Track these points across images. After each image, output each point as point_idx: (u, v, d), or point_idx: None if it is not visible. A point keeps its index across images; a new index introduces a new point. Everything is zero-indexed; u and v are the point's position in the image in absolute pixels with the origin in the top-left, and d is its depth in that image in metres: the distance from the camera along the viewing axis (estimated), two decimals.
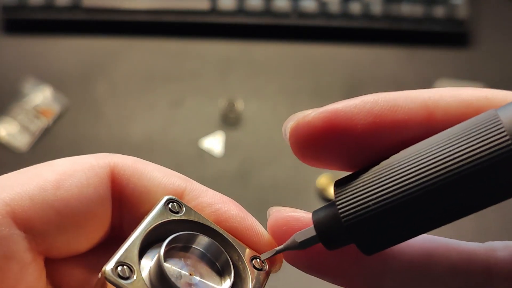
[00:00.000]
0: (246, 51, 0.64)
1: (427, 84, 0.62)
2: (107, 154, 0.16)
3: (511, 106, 0.12)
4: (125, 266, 0.14)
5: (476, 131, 0.12)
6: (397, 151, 0.13)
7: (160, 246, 0.15)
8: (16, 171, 0.15)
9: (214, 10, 0.62)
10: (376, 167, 0.13)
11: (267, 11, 0.63)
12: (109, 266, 0.14)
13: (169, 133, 0.59)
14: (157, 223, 0.15)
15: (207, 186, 0.59)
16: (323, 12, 0.62)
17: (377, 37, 0.65)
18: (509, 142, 0.12)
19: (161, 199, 0.16)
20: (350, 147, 0.13)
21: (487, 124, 0.12)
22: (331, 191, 0.55)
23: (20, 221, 0.14)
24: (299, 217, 0.16)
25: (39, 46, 0.63)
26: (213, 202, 0.16)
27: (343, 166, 0.14)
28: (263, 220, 0.59)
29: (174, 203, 0.16)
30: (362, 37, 0.65)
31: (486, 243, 0.15)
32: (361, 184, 0.13)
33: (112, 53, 0.63)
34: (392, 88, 0.62)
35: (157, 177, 0.16)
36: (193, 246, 0.16)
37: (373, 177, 0.13)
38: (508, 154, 0.12)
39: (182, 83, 0.61)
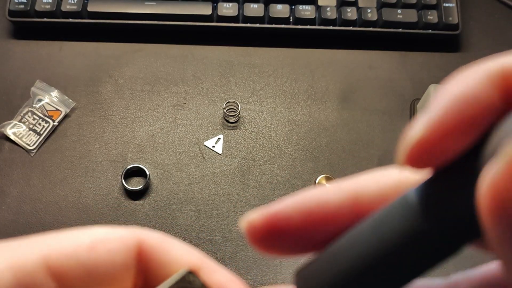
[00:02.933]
0: (246, 55, 0.65)
1: (421, 87, 0.63)
2: (137, 228, 0.18)
3: (416, 191, 0.13)
4: None
5: (385, 220, 0.13)
6: (333, 238, 0.15)
7: None
8: (55, 231, 0.17)
9: (215, 16, 0.64)
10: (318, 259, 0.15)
11: (266, 17, 0.64)
12: None
13: (172, 133, 0.60)
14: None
15: (208, 185, 0.62)
16: (320, 17, 0.64)
17: (372, 41, 0.66)
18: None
19: (180, 271, 0.17)
20: (291, 242, 0.15)
21: (394, 211, 0.13)
22: None
23: (54, 274, 0.15)
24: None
25: (46, 50, 0.64)
26: (224, 281, 0.17)
27: (294, 254, 0.16)
28: None
29: (190, 275, 0.17)
30: (357, 41, 0.66)
31: (449, 277, 0.16)
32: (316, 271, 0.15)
33: (117, 57, 0.64)
34: (386, 91, 0.65)
35: (178, 252, 0.17)
36: None
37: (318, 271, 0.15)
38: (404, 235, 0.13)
39: (185, 86, 0.63)
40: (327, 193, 0.15)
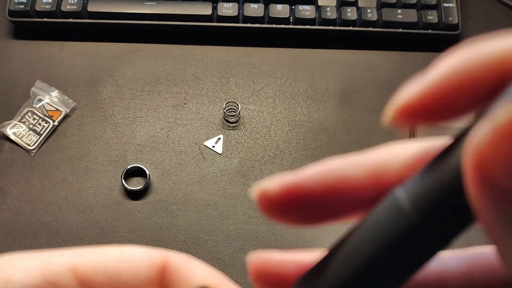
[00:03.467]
0: (246, 55, 0.65)
1: None
2: (165, 250, 0.18)
3: (410, 183, 0.13)
4: None
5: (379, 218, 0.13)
6: (352, 213, 0.15)
7: None
8: (90, 246, 0.18)
9: (215, 16, 0.64)
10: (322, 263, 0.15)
11: (266, 17, 0.64)
12: None
13: (172, 133, 0.60)
14: None
15: (208, 185, 0.61)
16: (320, 17, 0.64)
17: (372, 41, 0.66)
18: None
19: (194, 285, 0.18)
20: (307, 213, 0.15)
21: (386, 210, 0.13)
22: None
23: (80, 279, 0.16)
24: (280, 262, 0.17)
25: (46, 50, 0.64)
26: None
27: (306, 225, 0.16)
28: (264, 219, 0.61)
29: None
30: (357, 41, 0.66)
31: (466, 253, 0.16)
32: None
33: (118, 57, 0.64)
34: (386, 91, 0.64)
35: (201, 273, 0.18)
36: None
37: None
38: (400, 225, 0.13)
39: (185, 86, 0.63)
40: (348, 167, 0.15)
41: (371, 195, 0.14)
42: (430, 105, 0.13)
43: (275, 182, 0.16)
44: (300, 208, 0.15)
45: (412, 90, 0.14)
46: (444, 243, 0.12)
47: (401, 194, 0.13)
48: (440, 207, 0.12)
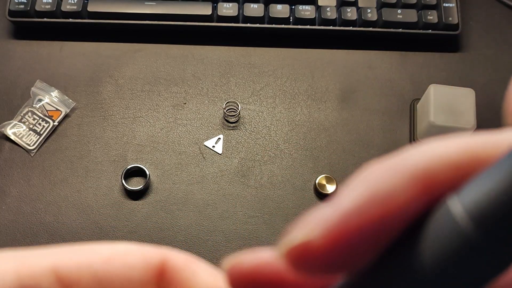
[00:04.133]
0: (246, 55, 0.65)
1: (421, 87, 0.63)
2: (163, 248, 0.17)
3: (466, 192, 0.11)
4: None
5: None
6: None
7: None
8: (77, 243, 0.16)
9: (215, 16, 0.64)
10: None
11: (266, 17, 0.64)
12: None
13: (172, 133, 0.60)
14: None
15: (208, 185, 0.61)
16: (320, 17, 0.64)
17: (372, 41, 0.66)
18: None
19: None
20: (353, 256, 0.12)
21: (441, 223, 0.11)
22: (328, 190, 0.57)
23: (63, 282, 0.15)
24: (262, 263, 0.14)
25: (46, 50, 0.64)
26: None
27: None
28: (265, 218, 0.61)
29: None
30: (357, 41, 0.66)
31: None
32: None
33: (118, 57, 0.64)
34: (386, 91, 0.65)
35: (204, 276, 0.16)
36: None
37: None
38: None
39: (185, 86, 0.63)
40: (390, 180, 0.11)
41: (420, 208, 0.12)
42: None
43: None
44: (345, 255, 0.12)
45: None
46: (509, 263, 0.10)
47: (456, 206, 0.11)
48: (506, 224, 0.10)
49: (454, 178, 0.11)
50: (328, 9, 0.64)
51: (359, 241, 0.11)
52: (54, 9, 0.62)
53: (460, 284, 0.11)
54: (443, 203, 0.11)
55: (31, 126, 0.59)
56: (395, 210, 0.11)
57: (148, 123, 0.61)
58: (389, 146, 0.60)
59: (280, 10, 0.63)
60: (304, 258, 0.12)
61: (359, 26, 0.64)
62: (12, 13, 0.62)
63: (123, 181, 0.56)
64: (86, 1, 0.63)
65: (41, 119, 0.59)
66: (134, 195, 0.57)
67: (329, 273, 0.12)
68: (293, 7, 0.64)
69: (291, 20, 0.64)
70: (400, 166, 0.11)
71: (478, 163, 0.11)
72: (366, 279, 0.12)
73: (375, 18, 0.64)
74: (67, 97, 0.61)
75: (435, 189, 0.11)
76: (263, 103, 0.62)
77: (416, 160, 0.11)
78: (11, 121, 0.59)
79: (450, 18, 0.64)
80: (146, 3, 0.63)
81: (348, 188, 0.12)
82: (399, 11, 0.64)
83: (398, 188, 0.11)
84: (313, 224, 0.12)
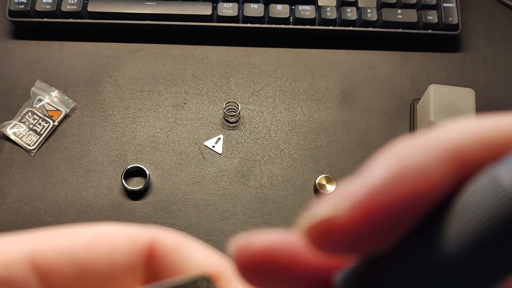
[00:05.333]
0: (246, 55, 0.65)
1: (421, 87, 0.63)
2: (152, 228, 0.15)
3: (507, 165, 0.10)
4: None
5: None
6: None
7: None
8: (57, 227, 0.15)
9: (215, 16, 0.64)
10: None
11: (266, 17, 0.64)
12: None
13: (172, 133, 0.60)
14: None
15: (208, 185, 0.61)
16: (320, 17, 0.64)
17: (372, 41, 0.66)
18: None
19: (194, 273, 0.15)
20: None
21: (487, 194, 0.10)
22: (328, 190, 0.57)
23: (40, 270, 0.13)
24: (276, 244, 0.13)
25: (46, 50, 0.64)
26: None
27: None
28: (265, 218, 0.61)
29: (204, 281, 0.14)
30: (357, 41, 0.66)
31: None
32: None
33: (117, 57, 0.64)
34: (386, 91, 0.65)
35: (197, 258, 0.15)
36: None
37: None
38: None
39: (185, 86, 0.63)
40: (422, 158, 0.11)
41: (450, 188, 0.11)
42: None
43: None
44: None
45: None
46: None
47: (504, 174, 0.10)
48: None
49: (488, 156, 0.11)
50: (328, 9, 0.64)
51: (387, 219, 0.10)
52: (54, 9, 0.62)
53: (503, 263, 0.10)
54: (487, 172, 0.10)
55: (31, 126, 0.59)
56: (427, 187, 0.10)
57: (148, 123, 0.61)
58: None
59: (280, 10, 0.63)
60: (328, 235, 0.11)
61: (359, 26, 0.64)
62: (12, 13, 0.62)
63: (123, 181, 0.56)
64: (86, 1, 0.63)
65: (41, 119, 0.59)
66: (134, 195, 0.57)
67: (351, 252, 0.11)
68: (293, 7, 0.64)
69: (291, 20, 0.64)
70: (433, 143, 0.11)
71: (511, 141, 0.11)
72: (391, 260, 0.11)
73: (375, 18, 0.64)
74: (67, 97, 0.61)
75: (468, 168, 0.11)
76: (263, 103, 0.62)
77: (449, 137, 0.11)
78: (11, 121, 0.59)
79: (450, 18, 0.64)
80: (146, 3, 0.63)
81: (376, 162, 0.11)
82: (399, 11, 0.64)
83: (431, 165, 0.10)
84: (339, 199, 0.11)
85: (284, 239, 0.12)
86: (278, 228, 0.13)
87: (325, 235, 0.11)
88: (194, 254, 0.15)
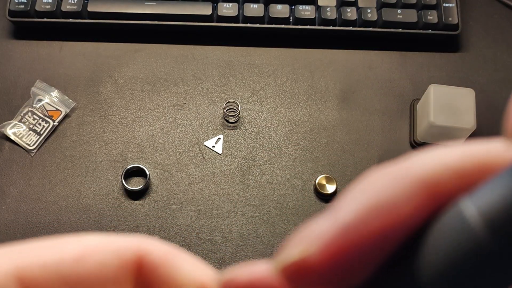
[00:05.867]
0: (246, 55, 0.65)
1: (421, 87, 0.63)
2: (140, 238, 0.15)
3: (480, 194, 0.10)
4: None
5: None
6: None
7: None
8: (42, 239, 0.14)
9: (215, 16, 0.64)
10: None
11: (266, 17, 0.64)
12: None
13: (172, 133, 0.60)
14: None
15: (208, 185, 0.61)
16: (320, 17, 0.64)
17: (372, 41, 0.66)
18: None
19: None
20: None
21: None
22: (328, 190, 0.57)
23: (27, 286, 0.13)
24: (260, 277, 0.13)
25: (46, 50, 0.64)
26: None
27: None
28: (265, 218, 0.61)
29: None
30: (357, 41, 0.66)
31: None
32: None
33: (118, 57, 0.64)
34: (386, 91, 0.65)
35: (187, 270, 0.15)
36: None
37: None
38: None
39: (185, 86, 0.63)
40: (393, 193, 0.11)
41: (422, 219, 0.11)
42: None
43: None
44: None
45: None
46: None
47: (469, 208, 0.10)
48: None
49: (459, 186, 0.10)
50: (328, 9, 0.64)
51: (358, 256, 0.10)
52: (54, 9, 0.62)
53: None
54: (454, 206, 0.10)
55: (31, 126, 0.59)
56: (399, 221, 0.10)
57: (148, 123, 0.61)
58: (389, 146, 0.60)
59: (280, 10, 0.63)
60: (301, 275, 0.11)
61: (359, 26, 0.64)
62: (12, 13, 0.62)
63: (123, 181, 0.56)
64: (86, 1, 0.63)
65: (41, 119, 0.59)
66: (134, 195, 0.57)
67: None
68: (293, 7, 0.64)
69: (291, 20, 0.64)
70: (403, 174, 0.11)
71: (483, 170, 0.10)
72: None
73: (375, 18, 0.64)
74: (67, 97, 0.61)
75: (439, 198, 0.11)
76: (263, 103, 0.62)
77: (420, 167, 0.11)
78: (11, 121, 0.59)
79: (450, 18, 0.64)
80: (146, 3, 0.63)
81: (347, 197, 0.11)
82: (399, 11, 0.64)
83: (402, 198, 0.10)
84: (310, 239, 0.11)
85: (267, 273, 0.13)
86: (261, 259, 0.14)
87: (299, 275, 0.11)
88: (184, 267, 0.15)
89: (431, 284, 0.10)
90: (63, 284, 0.13)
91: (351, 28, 0.64)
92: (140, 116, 0.61)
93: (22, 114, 0.60)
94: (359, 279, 0.11)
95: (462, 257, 0.10)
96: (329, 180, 0.57)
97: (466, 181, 0.11)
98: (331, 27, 0.64)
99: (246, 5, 0.63)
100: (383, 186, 0.11)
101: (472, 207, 0.10)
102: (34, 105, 0.60)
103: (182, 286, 0.14)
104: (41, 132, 0.59)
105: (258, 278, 0.13)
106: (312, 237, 0.11)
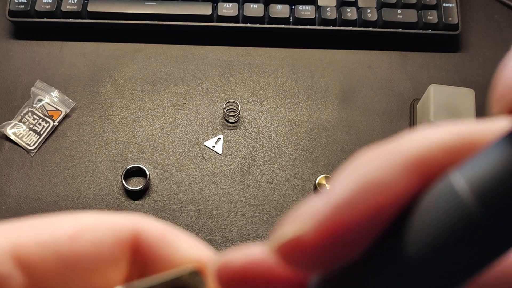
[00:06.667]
0: (246, 55, 0.65)
1: (421, 87, 0.63)
2: (136, 217, 0.15)
3: (466, 168, 0.10)
4: None
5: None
6: None
7: None
8: (38, 216, 0.14)
9: (215, 16, 0.64)
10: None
11: (266, 17, 0.64)
12: None
13: (172, 133, 0.60)
14: (174, 286, 0.14)
15: (208, 185, 0.61)
16: (320, 17, 0.64)
17: (372, 41, 0.66)
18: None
19: (183, 267, 0.14)
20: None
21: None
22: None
23: (23, 264, 0.13)
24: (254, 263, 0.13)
25: (46, 50, 0.64)
26: None
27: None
28: (264, 218, 0.61)
29: (193, 275, 0.14)
30: (357, 41, 0.66)
31: None
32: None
33: (118, 57, 0.64)
34: (386, 91, 0.65)
35: (184, 250, 0.15)
36: None
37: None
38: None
39: (185, 86, 0.63)
40: (382, 168, 0.11)
41: (413, 196, 0.11)
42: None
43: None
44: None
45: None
46: None
47: (459, 180, 0.10)
48: (509, 200, 0.10)
49: (449, 162, 0.11)
50: (328, 9, 0.64)
51: (352, 234, 0.11)
52: (54, 9, 0.62)
53: (459, 267, 0.10)
54: (444, 178, 0.11)
55: (31, 126, 0.59)
56: (391, 199, 0.11)
57: (148, 123, 0.61)
58: None
59: (280, 10, 0.63)
60: (295, 254, 0.11)
61: (359, 26, 0.64)
62: (12, 13, 0.62)
63: (123, 181, 0.56)
64: (86, 1, 0.63)
65: (41, 119, 0.59)
66: (134, 195, 0.57)
67: (320, 267, 0.12)
68: (293, 7, 0.64)
69: (291, 20, 0.64)
70: (394, 153, 0.11)
71: (472, 147, 0.11)
72: (358, 269, 0.12)
73: (375, 18, 0.64)
74: (67, 97, 0.61)
75: (429, 175, 0.11)
76: (263, 103, 0.62)
77: (411, 146, 0.11)
78: (11, 121, 0.59)
79: (450, 18, 0.64)
80: (146, 3, 0.63)
81: (339, 177, 0.11)
82: (399, 11, 0.64)
83: (393, 176, 0.11)
84: (304, 218, 0.11)
85: (261, 256, 0.13)
86: (257, 241, 0.14)
87: (293, 254, 0.11)
88: (181, 246, 0.15)
89: (421, 256, 0.10)
90: (59, 262, 0.13)
91: (351, 28, 0.64)
92: (140, 116, 0.61)
93: (22, 114, 0.60)
94: (352, 257, 0.11)
95: (451, 227, 0.10)
96: (329, 180, 0.57)
97: (455, 158, 0.11)
98: (331, 27, 0.64)
99: (246, 5, 0.63)
100: (375, 165, 0.11)
101: (461, 179, 0.10)
102: (34, 105, 0.60)
103: (179, 265, 0.14)
104: (41, 132, 0.59)
105: (254, 260, 0.13)
106: (306, 215, 0.11)
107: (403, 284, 0.11)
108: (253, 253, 0.13)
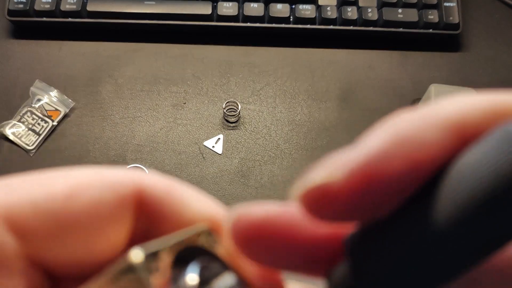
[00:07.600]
0: (246, 55, 0.65)
1: (421, 87, 0.63)
2: (137, 173, 0.14)
3: None
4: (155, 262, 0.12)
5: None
6: None
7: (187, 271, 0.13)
8: (30, 174, 0.13)
9: (215, 16, 0.64)
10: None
11: (266, 17, 0.64)
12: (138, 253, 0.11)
13: (172, 133, 0.60)
14: (187, 246, 0.13)
15: (208, 185, 0.61)
16: (320, 17, 0.63)
17: (372, 41, 0.66)
18: None
19: (195, 226, 0.13)
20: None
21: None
22: None
23: (16, 227, 0.12)
24: (273, 217, 0.12)
25: (46, 49, 0.64)
26: None
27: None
28: None
29: (206, 235, 0.13)
30: (358, 41, 0.66)
31: None
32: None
33: (117, 56, 0.64)
34: (386, 91, 0.64)
35: (193, 206, 0.14)
36: (213, 282, 0.13)
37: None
38: None
39: (185, 86, 0.63)
40: (421, 129, 0.10)
41: (448, 159, 0.11)
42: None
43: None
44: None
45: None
46: None
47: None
48: None
49: (487, 127, 0.10)
50: (328, 8, 0.64)
51: (384, 188, 0.10)
52: (54, 8, 0.62)
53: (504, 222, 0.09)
54: (497, 130, 0.10)
55: (30, 126, 0.59)
56: (428, 157, 0.10)
57: (148, 123, 0.60)
58: None
59: (280, 9, 0.63)
60: (324, 202, 0.10)
61: (360, 26, 0.64)
62: (11, 13, 0.62)
63: None
64: (85, 1, 0.63)
65: (40, 119, 0.59)
66: None
67: (346, 220, 0.11)
68: (293, 6, 0.64)
69: (291, 19, 0.64)
70: (433, 114, 0.11)
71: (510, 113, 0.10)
72: (388, 228, 0.11)
73: (375, 17, 0.63)
74: (66, 97, 0.60)
75: (466, 139, 0.10)
76: (263, 103, 0.62)
77: (449, 109, 0.11)
78: (10, 121, 0.59)
79: (451, 18, 0.64)
80: (146, 2, 0.63)
81: (375, 133, 0.11)
82: (399, 10, 0.64)
83: (433, 135, 0.10)
84: (336, 165, 0.10)
85: (281, 210, 0.12)
86: (276, 201, 0.13)
87: (321, 202, 0.11)
88: (190, 202, 0.14)
89: (461, 213, 0.10)
90: (54, 224, 0.12)
91: (351, 27, 0.64)
92: (140, 116, 0.61)
93: (21, 114, 0.59)
94: (379, 214, 0.11)
95: (504, 175, 0.09)
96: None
97: (494, 122, 0.10)
98: (331, 27, 0.64)
99: (246, 4, 0.63)
100: (412, 124, 0.10)
101: None
102: (33, 105, 0.60)
103: (189, 222, 0.13)
104: (40, 132, 0.59)
105: (274, 215, 0.12)
106: (338, 164, 0.10)
107: (434, 247, 0.10)
108: (274, 208, 0.12)
